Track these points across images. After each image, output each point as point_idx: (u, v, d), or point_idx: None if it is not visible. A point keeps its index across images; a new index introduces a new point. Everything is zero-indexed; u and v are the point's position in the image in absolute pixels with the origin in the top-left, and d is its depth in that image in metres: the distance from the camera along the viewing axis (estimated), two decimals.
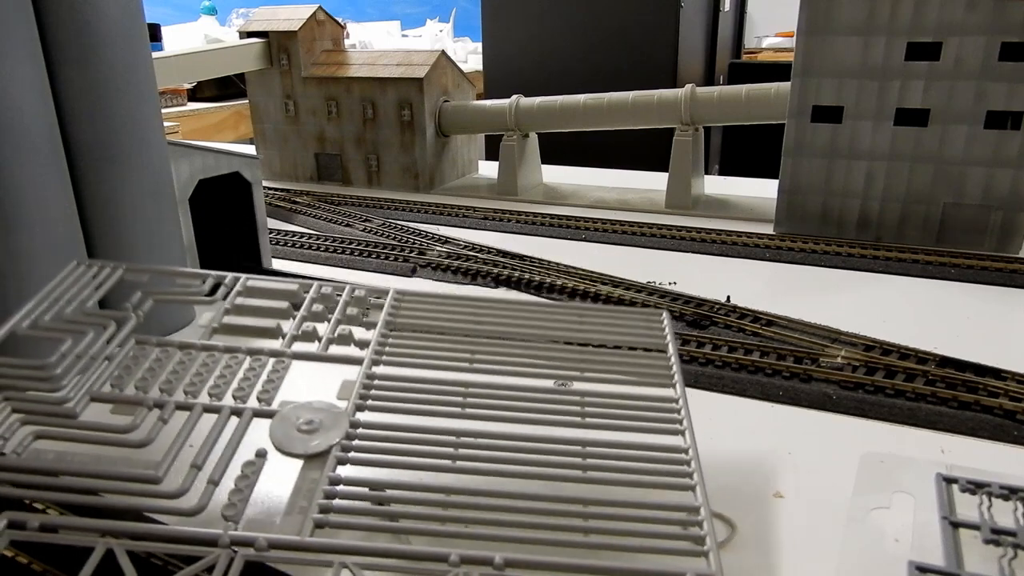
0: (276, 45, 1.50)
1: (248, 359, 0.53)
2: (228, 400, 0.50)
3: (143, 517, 0.46)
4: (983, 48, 0.97)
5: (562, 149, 1.80)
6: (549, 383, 0.54)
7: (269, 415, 0.49)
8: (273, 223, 1.26)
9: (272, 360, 0.53)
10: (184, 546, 0.40)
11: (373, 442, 0.47)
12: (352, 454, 0.46)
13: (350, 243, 1.11)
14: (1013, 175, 1.00)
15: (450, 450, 0.47)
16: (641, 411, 0.51)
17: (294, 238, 1.15)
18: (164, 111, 1.95)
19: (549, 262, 1.02)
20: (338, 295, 0.59)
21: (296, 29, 1.47)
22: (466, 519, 0.42)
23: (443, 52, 1.48)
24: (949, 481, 0.52)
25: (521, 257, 1.05)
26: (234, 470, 0.45)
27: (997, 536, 0.46)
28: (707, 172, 1.41)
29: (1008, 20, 0.95)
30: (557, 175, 1.60)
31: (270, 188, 1.51)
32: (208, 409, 0.49)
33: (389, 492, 0.45)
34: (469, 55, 3.84)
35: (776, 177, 1.13)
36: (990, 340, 0.76)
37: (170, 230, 0.81)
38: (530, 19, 2.51)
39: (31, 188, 0.67)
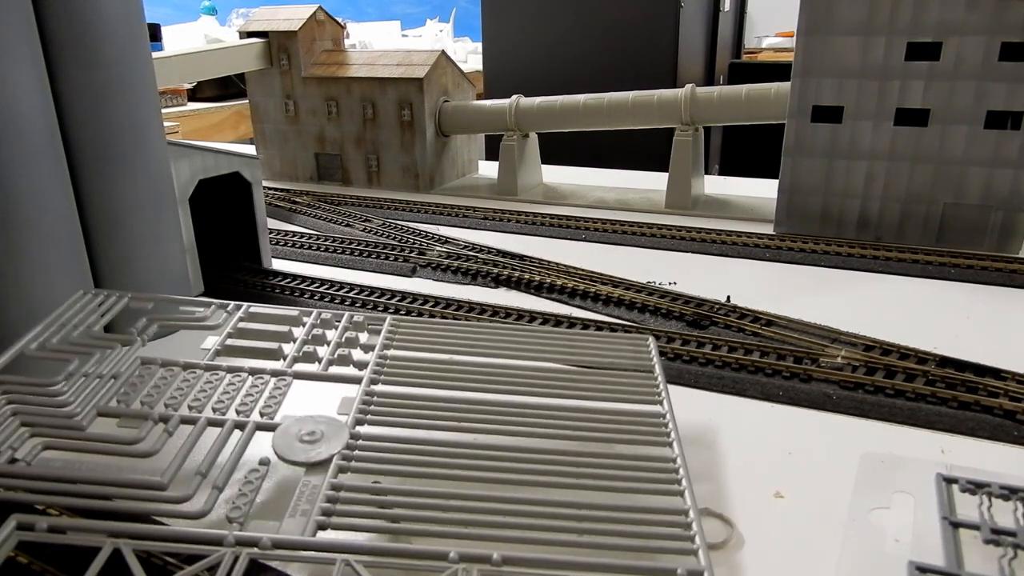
0: (276, 45, 1.50)
1: (251, 378, 0.55)
2: (231, 415, 0.51)
3: (149, 521, 0.47)
4: (983, 48, 0.97)
5: (562, 149, 1.80)
6: (542, 400, 0.55)
7: (271, 428, 0.50)
8: (273, 223, 1.26)
9: (274, 379, 0.55)
10: (190, 545, 0.41)
11: (373, 452, 0.49)
12: (353, 463, 0.47)
13: (350, 243, 1.11)
14: (1013, 175, 1.00)
15: (449, 459, 0.48)
16: (630, 425, 0.52)
17: (294, 238, 1.15)
18: (164, 111, 1.95)
19: (549, 262, 1.02)
20: (337, 321, 0.62)
21: (296, 29, 1.47)
22: (465, 521, 0.43)
23: (443, 52, 1.48)
24: (949, 481, 0.52)
25: (521, 257, 1.05)
26: (238, 478, 0.46)
27: (997, 536, 0.46)
28: (707, 172, 1.41)
29: (1008, 20, 0.95)
30: (557, 175, 1.60)
31: (270, 188, 1.51)
32: (212, 423, 0.50)
33: (390, 497, 0.45)
34: (469, 55, 3.84)
35: (776, 177, 1.13)
36: (990, 340, 0.76)
37: (170, 230, 0.81)
38: (530, 19, 2.51)
39: (31, 188, 0.67)
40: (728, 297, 0.86)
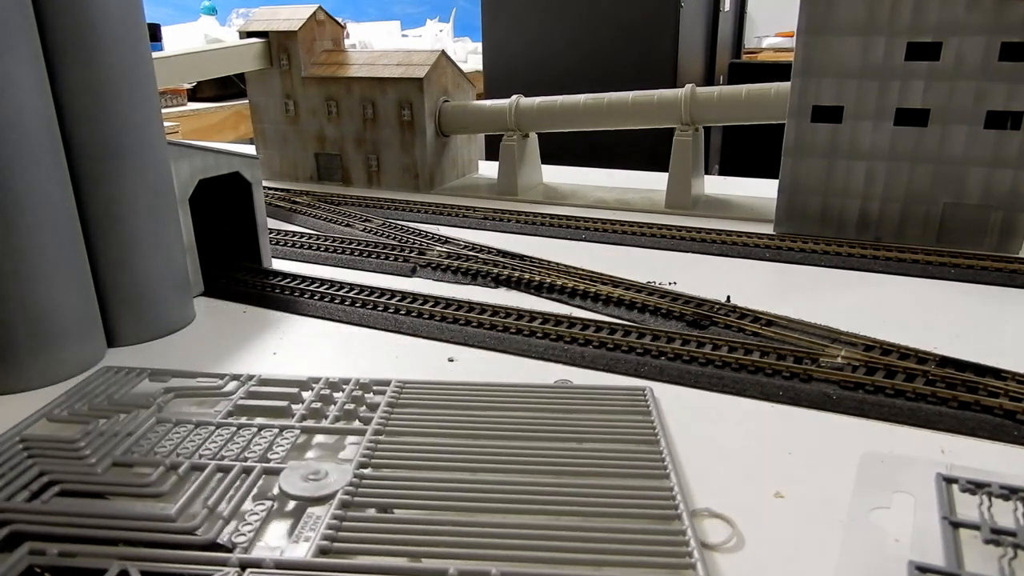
0: (276, 45, 1.50)
1: (260, 431, 0.59)
2: (240, 462, 0.54)
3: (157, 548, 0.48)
4: (983, 48, 0.97)
5: (562, 149, 1.80)
6: (546, 445, 0.57)
7: (278, 472, 0.53)
8: (273, 223, 1.26)
9: (281, 432, 0.59)
10: (195, 567, 0.43)
11: (377, 488, 0.51)
12: (356, 498, 0.50)
13: (350, 243, 1.11)
14: (1013, 175, 1.00)
15: (451, 492, 0.50)
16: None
17: (294, 238, 1.15)
18: (164, 111, 1.95)
19: (549, 262, 1.02)
20: (344, 384, 0.66)
21: (296, 29, 1.47)
22: (465, 543, 0.45)
23: (443, 52, 1.48)
24: (949, 481, 0.52)
25: (521, 257, 1.05)
26: (245, 513, 0.49)
27: (997, 536, 0.46)
28: (707, 172, 1.41)
29: (1008, 20, 0.95)
30: (557, 175, 1.60)
31: (270, 188, 1.51)
32: (220, 468, 0.53)
33: (392, 524, 0.47)
34: (469, 55, 3.84)
35: (776, 177, 1.13)
36: (990, 340, 0.76)
37: (170, 230, 0.81)
38: (530, 19, 2.52)
39: (31, 188, 0.67)
40: (728, 297, 0.86)
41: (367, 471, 0.53)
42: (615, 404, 0.62)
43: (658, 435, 0.57)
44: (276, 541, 0.47)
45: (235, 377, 0.68)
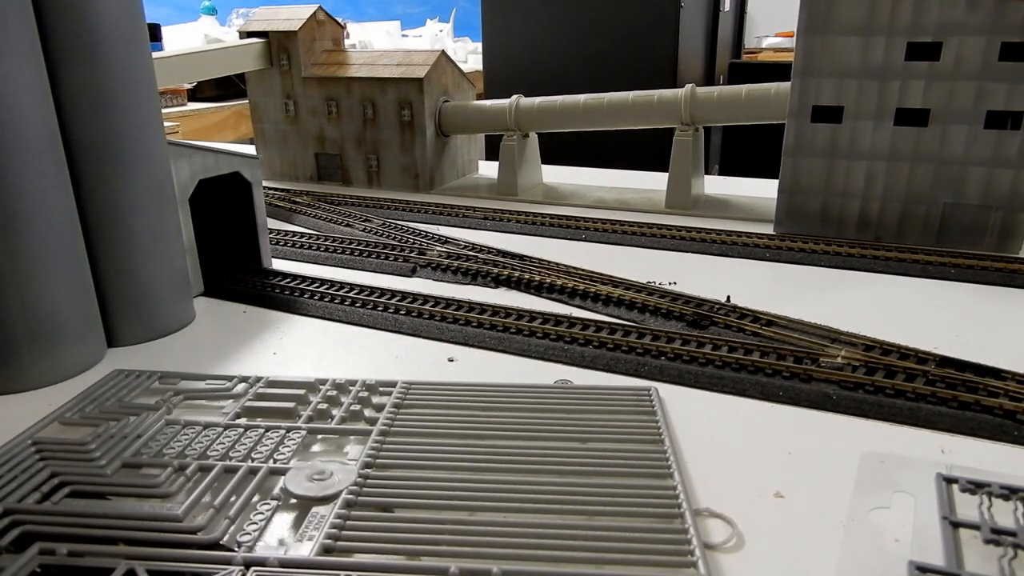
0: (276, 45, 1.50)
1: (267, 433, 0.59)
2: (246, 462, 0.55)
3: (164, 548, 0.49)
4: (983, 48, 0.97)
5: (562, 149, 1.80)
6: (552, 444, 0.57)
7: (284, 472, 0.54)
8: (273, 223, 1.26)
9: (288, 433, 0.59)
10: (200, 565, 0.44)
11: (382, 488, 0.51)
12: (361, 498, 0.50)
13: (350, 243, 1.11)
14: (1013, 175, 1.00)
15: (457, 492, 0.51)
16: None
17: (294, 238, 1.15)
18: (164, 111, 1.95)
19: (549, 262, 1.02)
20: (351, 386, 0.66)
21: (296, 29, 1.47)
22: (468, 542, 0.45)
23: (443, 52, 1.48)
24: (949, 481, 0.52)
25: (521, 257, 1.05)
26: (250, 513, 0.49)
27: (997, 536, 0.46)
28: (707, 172, 1.41)
29: (1008, 20, 0.95)
30: (557, 175, 1.60)
31: (270, 188, 1.51)
32: (227, 469, 0.54)
33: (396, 523, 0.48)
34: (469, 55, 3.84)
35: (776, 177, 1.13)
36: (990, 340, 0.76)
37: (170, 230, 0.81)
38: (530, 19, 2.52)
39: (31, 188, 0.67)
40: (728, 297, 0.86)
41: (372, 471, 0.53)
42: (620, 404, 0.62)
43: (663, 435, 0.57)
44: (280, 540, 0.47)
45: (243, 379, 0.68)
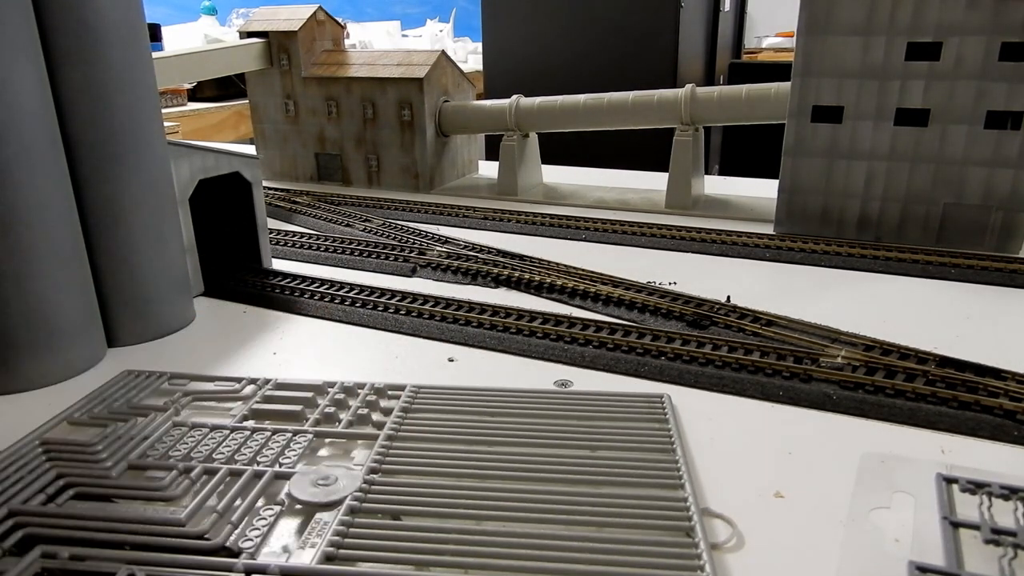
0: (276, 45, 1.50)
1: (273, 436, 0.59)
2: (252, 466, 0.55)
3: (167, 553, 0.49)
4: (983, 48, 0.97)
5: (562, 149, 1.80)
6: (561, 453, 0.56)
7: (288, 476, 0.53)
8: (273, 223, 1.26)
9: (294, 436, 0.59)
10: (202, 572, 0.44)
11: (386, 495, 0.51)
12: (365, 504, 0.50)
13: (350, 243, 1.11)
14: (1013, 175, 1.00)
15: (461, 500, 0.50)
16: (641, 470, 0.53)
17: (294, 238, 1.15)
18: (164, 111, 1.95)
19: (549, 262, 1.02)
20: (359, 389, 0.66)
21: (296, 29, 1.47)
22: (473, 552, 0.45)
23: (443, 52, 1.48)
24: (949, 481, 0.52)
25: (521, 257, 1.05)
26: (254, 518, 0.49)
27: (997, 536, 0.46)
28: (707, 172, 1.41)
29: (1008, 20, 0.95)
30: (557, 175, 1.60)
31: (270, 188, 1.51)
32: (232, 473, 0.54)
33: (400, 532, 0.47)
34: (469, 55, 3.84)
35: (776, 177, 1.13)
36: (990, 340, 0.76)
37: (170, 230, 0.81)
38: (530, 19, 2.51)
39: (31, 188, 0.67)
40: (728, 297, 0.86)
41: (377, 476, 0.53)
42: (632, 411, 0.62)
43: (674, 444, 0.56)
44: (283, 547, 0.47)
45: (251, 381, 0.68)
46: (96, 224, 0.75)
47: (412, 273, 1.01)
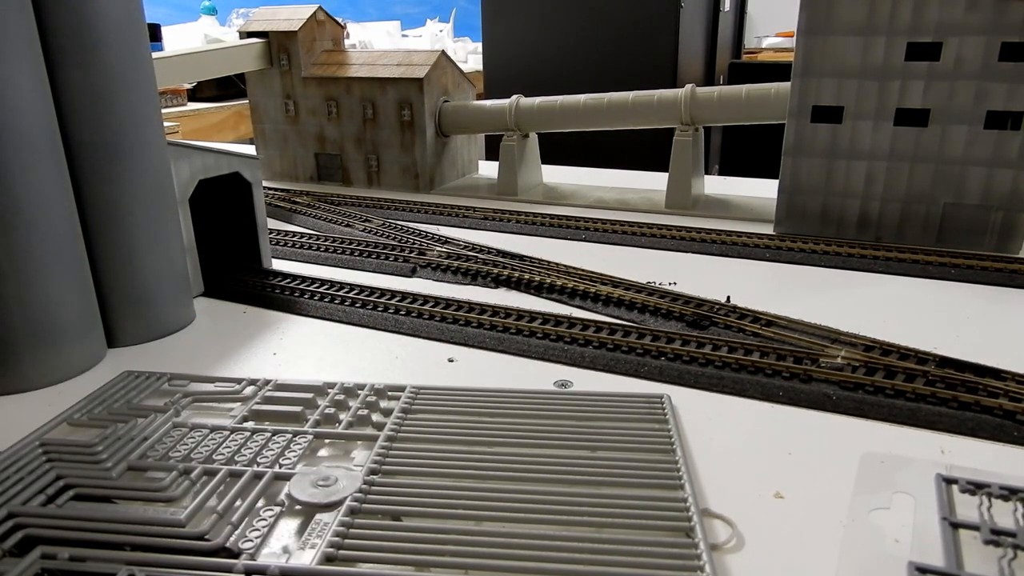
0: (276, 45, 1.50)
1: (273, 437, 0.59)
2: (252, 467, 0.55)
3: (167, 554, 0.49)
4: (983, 48, 0.97)
5: (562, 149, 1.80)
6: (562, 453, 0.56)
7: (288, 477, 0.53)
8: (273, 223, 1.26)
9: (295, 437, 0.59)
10: (201, 572, 0.44)
11: (386, 496, 0.51)
12: (365, 505, 0.50)
13: (350, 243, 1.11)
14: (1013, 175, 1.00)
15: (461, 501, 0.50)
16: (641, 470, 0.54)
17: (294, 238, 1.15)
18: (164, 111, 1.95)
19: (549, 262, 1.02)
20: (359, 390, 0.66)
21: (296, 29, 1.47)
22: (474, 553, 0.45)
23: (443, 52, 1.48)
24: (949, 481, 0.52)
25: (521, 257, 1.05)
26: (254, 519, 0.49)
27: (997, 537, 0.46)
28: (707, 172, 1.41)
29: (1008, 20, 0.95)
30: (557, 175, 1.60)
31: (270, 188, 1.51)
32: (232, 474, 0.54)
33: (400, 532, 0.47)
34: (469, 55, 3.84)
35: (776, 177, 1.13)
36: (990, 340, 0.76)
37: (170, 230, 0.81)
38: (530, 19, 2.51)
39: (31, 188, 0.67)
40: (728, 297, 0.86)
41: (377, 477, 0.53)
42: (632, 412, 0.62)
43: (674, 444, 0.56)
44: (283, 547, 0.47)
45: (252, 381, 0.68)
46: (96, 224, 0.75)
47: (412, 273, 1.01)
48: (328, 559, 0.45)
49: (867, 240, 1.09)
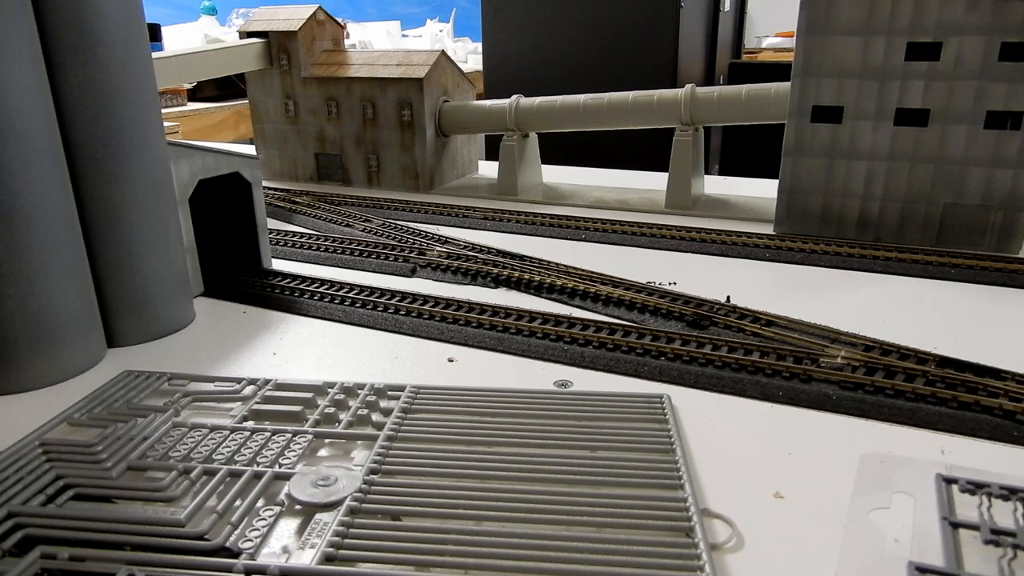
0: (276, 45, 1.50)
1: (273, 437, 0.59)
2: (251, 467, 0.55)
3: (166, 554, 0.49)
4: (983, 48, 0.97)
5: (562, 149, 1.80)
6: (561, 454, 0.56)
7: (288, 477, 0.53)
8: (273, 223, 1.26)
9: (294, 436, 0.59)
10: (200, 572, 0.44)
11: (386, 495, 0.51)
12: (365, 505, 0.50)
13: (350, 243, 1.11)
14: (1013, 175, 1.00)
15: (461, 501, 0.50)
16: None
17: (294, 238, 1.15)
18: (164, 111, 1.95)
19: (549, 262, 1.02)
20: (359, 390, 0.66)
21: (296, 29, 1.47)
22: (474, 553, 0.45)
23: (443, 52, 1.48)
24: (949, 481, 0.52)
25: (521, 257, 1.05)
26: (254, 518, 0.49)
27: (997, 536, 0.46)
28: (707, 172, 1.41)
29: (1008, 20, 0.95)
30: (557, 175, 1.60)
31: (270, 188, 1.51)
32: (232, 473, 0.54)
33: (400, 532, 0.47)
34: (469, 55, 3.84)
35: (776, 177, 1.13)
36: (990, 340, 0.76)
37: (170, 230, 0.81)
38: (530, 19, 2.51)
39: (31, 188, 0.67)
40: (728, 297, 0.86)
41: (377, 477, 0.53)
42: (632, 412, 0.62)
43: (674, 444, 0.56)
44: (283, 547, 0.47)
45: (251, 381, 0.68)
46: (96, 224, 0.75)
47: (412, 273, 1.01)
48: (328, 559, 0.45)
49: (867, 240, 1.09)
